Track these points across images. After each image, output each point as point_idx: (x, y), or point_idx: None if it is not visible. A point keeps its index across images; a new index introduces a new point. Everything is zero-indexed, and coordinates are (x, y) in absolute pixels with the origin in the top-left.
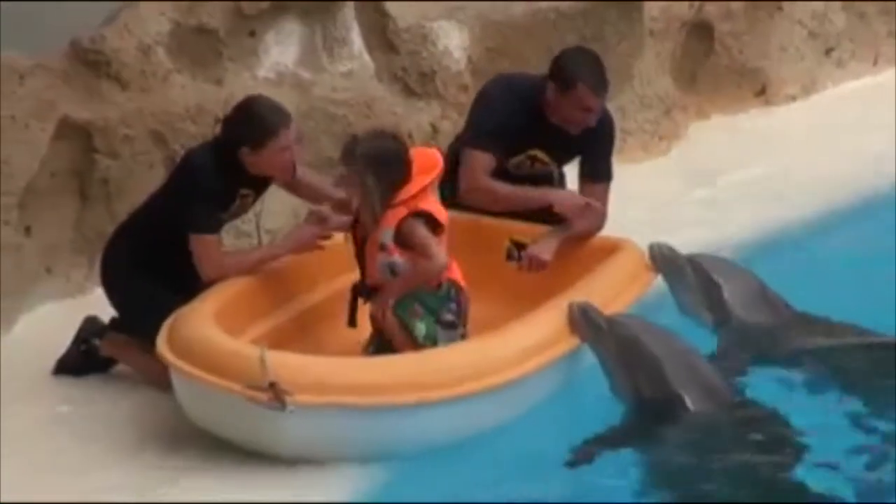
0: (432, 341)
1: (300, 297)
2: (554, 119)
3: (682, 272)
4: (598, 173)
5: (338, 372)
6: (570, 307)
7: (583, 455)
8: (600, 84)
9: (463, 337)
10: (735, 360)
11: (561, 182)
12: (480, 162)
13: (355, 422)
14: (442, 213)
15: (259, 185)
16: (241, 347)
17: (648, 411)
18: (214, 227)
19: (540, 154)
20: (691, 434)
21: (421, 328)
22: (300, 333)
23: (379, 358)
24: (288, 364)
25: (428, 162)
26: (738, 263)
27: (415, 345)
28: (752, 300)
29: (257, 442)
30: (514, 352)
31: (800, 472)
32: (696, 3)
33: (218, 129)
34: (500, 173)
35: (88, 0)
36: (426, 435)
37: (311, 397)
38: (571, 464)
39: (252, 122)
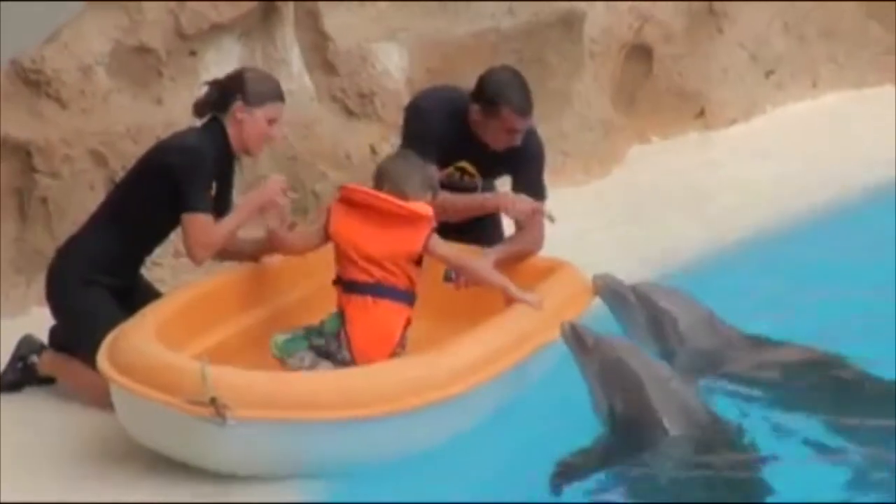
0: (281, 352)
1: (250, 310)
2: (479, 136)
3: (627, 302)
4: (531, 195)
5: (281, 386)
6: (562, 325)
7: (563, 475)
8: (524, 105)
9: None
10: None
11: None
12: None
13: (298, 437)
14: None
15: (230, 169)
16: (183, 362)
17: (625, 425)
18: (209, 207)
19: (468, 166)
20: (670, 453)
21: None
22: (250, 347)
23: (324, 372)
24: (229, 378)
25: None
26: (682, 291)
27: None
28: (700, 327)
29: (198, 458)
30: (460, 367)
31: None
32: (636, 25)
33: (204, 92)
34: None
35: (28, 19)
36: (371, 451)
37: (253, 412)
38: (555, 485)
39: (256, 82)
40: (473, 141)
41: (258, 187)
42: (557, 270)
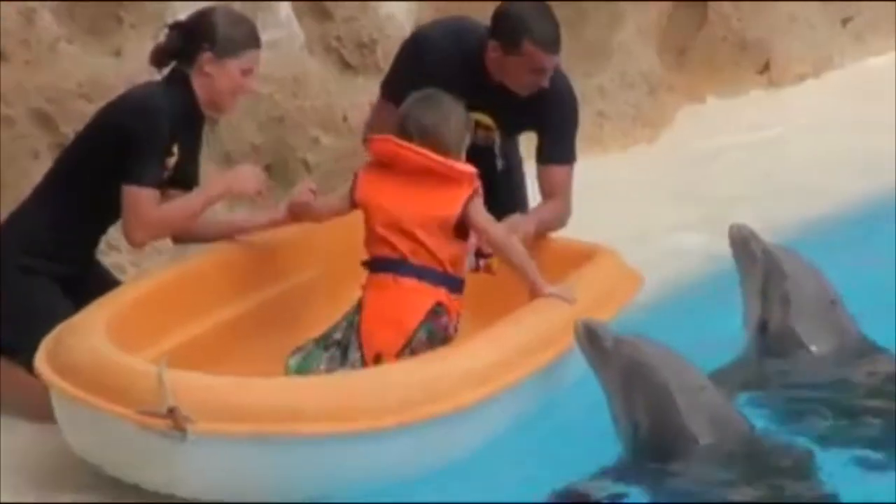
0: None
1: (225, 303)
2: (499, 79)
3: (753, 258)
4: (558, 155)
5: (252, 395)
6: (575, 323)
7: (569, 495)
8: (552, 38)
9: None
10: (755, 376)
11: (508, 169)
12: (389, 117)
13: (272, 455)
14: None
15: (197, 133)
16: (137, 365)
17: (650, 446)
18: (156, 180)
19: (484, 118)
20: (701, 469)
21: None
22: (223, 348)
23: (306, 378)
24: (191, 385)
25: None
26: (812, 264)
27: None
28: (818, 312)
29: (154, 480)
30: (469, 372)
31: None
32: None
33: (164, 38)
34: None
35: None
36: (358, 472)
37: (218, 425)
38: None
39: (227, 26)
40: (490, 86)
41: (227, 173)
42: (595, 257)
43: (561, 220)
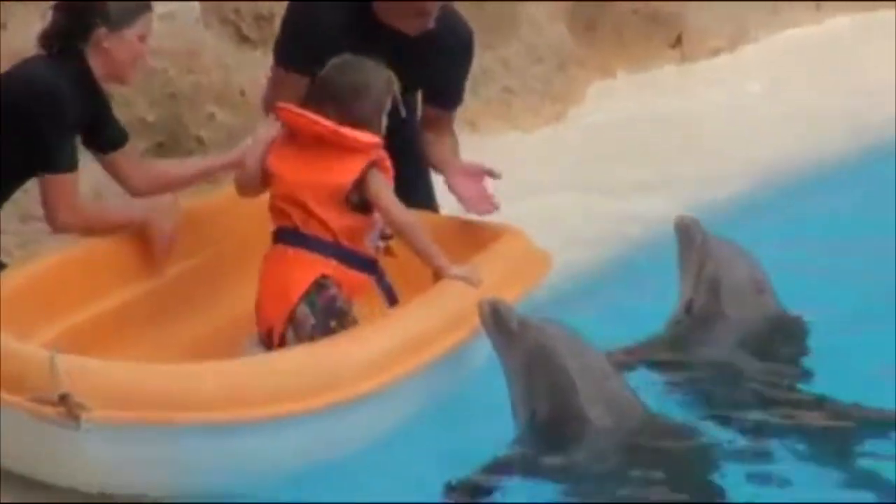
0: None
1: (123, 285)
2: (388, 22)
3: (692, 245)
4: (450, 100)
5: (150, 380)
6: (480, 303)
7: (463, 489)
8: None
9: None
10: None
11: (409, 120)
12: (287, 85)
13: (172, 444)
14: None
15: (101, 105)
16: (27, 350)
17: (548, 433)
18: (74, 163)
19: None
20: (596, 460)
21: None
22: (121, 333)
23: (207, 363)
24: (86, 370)
25: None
26: (745, 252)
27: None
28: (745, 298)
29: (49, 471)
30: (372, 358)
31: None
32: None
33: (51, 20)
34: None
35: None
36: (261, 461)
37: (114, 412)
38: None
39: None
40: (384, 35)
41: (149, 204)
42: (502, 237)
43: (455, 145)
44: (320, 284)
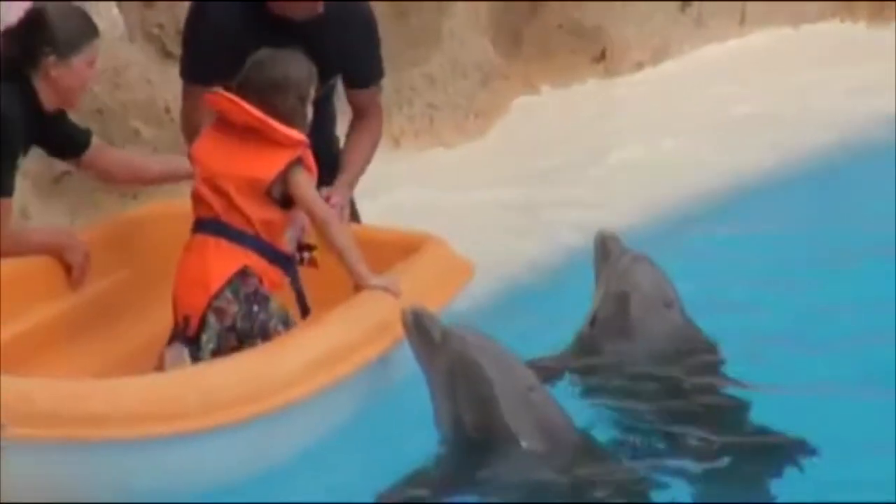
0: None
1: (51, 300)
2: (281, 12)
3: (607, 259)
4: (367, 77)
5: (69, 397)
6: (402, 311)
7: (392, 498)
8: None
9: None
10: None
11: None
12: (199, 100)
13: (91, 461)
14: None
15: (51, 134)
16: None
17: (471, 445)
18: (10, 189)
19: None
20: (520, 471)
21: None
22: (44, 350)
23: (120, 380)
24: (5, 388)
25: None
26: (653, 266)
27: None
28: (650, 312)
29: None
30: (291, 370)
31: None
32: None
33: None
34: None
35: None
36: (180, 476)
37: (34, 430)
38: None
39: (64, 23)
40: (283, 29)
41: (64, 235)
42: (424, 246)
43: (376, 143)
44: (244, 273)
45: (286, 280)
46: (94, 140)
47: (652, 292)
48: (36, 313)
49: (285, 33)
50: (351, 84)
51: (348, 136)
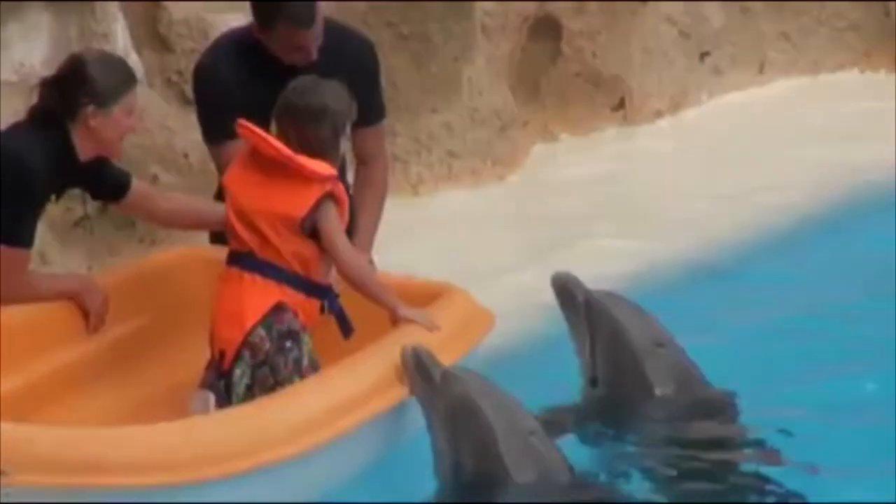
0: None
1: (67, 345)
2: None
3: (577, 310)
4: (370, 115)
5: (71, 445)
6: (403, 351)
7: None
8: (301, 15)
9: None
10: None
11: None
12: (228, 157)
13: None
14: None
15: (89, 179)
16: None
17: (471, 488)
18: (31, 240)
19: None
20: None
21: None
22: (63, 396)
23: (132, 428)
24: (7, 436)
25: None
26: (648, 314)
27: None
28: (645, 358)
29: None
30: (299, 420)
31: None
32: None
33: (36, 96)
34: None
35: None
36: None
37: (36, 477)
38: None
39: (103, 72)
40: (287, 71)
41: (85, 281)
42: (444, 295)
43: (384, 195)
44: (278, 308)
45: (325, 308)
46: (135, 182)
47: (640, 337)
48: (52, 359)
49: (289, 76)
50: (358, 122)
51: (356, 190)
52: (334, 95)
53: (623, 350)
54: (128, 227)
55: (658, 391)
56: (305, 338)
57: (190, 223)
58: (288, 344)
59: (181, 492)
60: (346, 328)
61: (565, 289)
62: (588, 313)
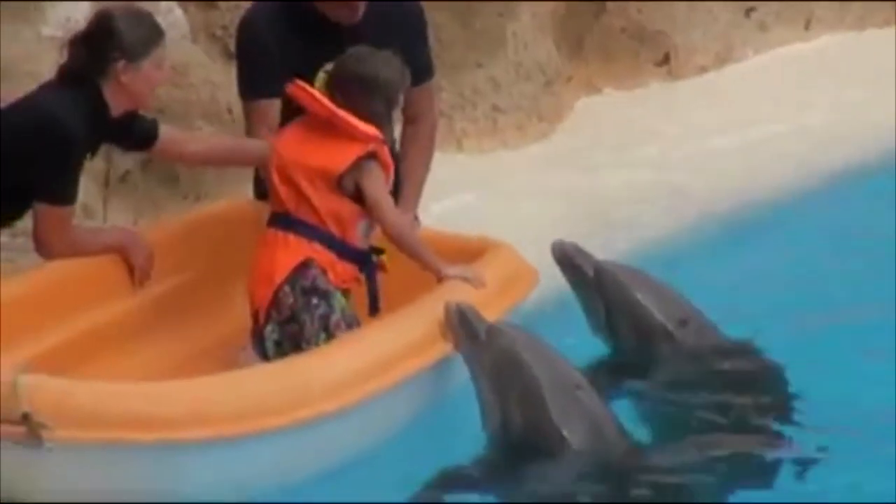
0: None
1: (107, 302)
2: (322, 12)
3: (586, 280)
4: (418, 74)
5: (113, 399)
6: (447, 307)
7: (426, 498)
8: None
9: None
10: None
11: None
12: (261, 115)
13: (135, 464)
14: None
15: (120, 133)
16: None
17: (519, 443)
18: (75, 197)
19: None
20: (567, 475)
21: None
22: (104, 352)
23: (163, 384)
24: (49, 391)
25: None
26: (656, 278)
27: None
28: (675, 327)
29: (12, 491)
30: (339, 375)
31: None
32: None
33: (66, 53)
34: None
35: None
36: (225, 480)
37: (77, 432)
38: None
39: (131, 28)
40: (334, 31)
41: (129, 235)
42: (488, 251)
43: (432, 152)
44: (304, 265)
45: (360, 276)
46: (163, 129)
47: (662, 320)
48: (98, 313)
49: (337, 34)
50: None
51: (402, 146)
52: (388, 66)
53: (645, 329)
54: (172, 182)
55: (677, 368)
56: (337, 295)
57: (222, 160)
58: (314, 300)
59: (218, 447)
60: (374, 306)
61: (571, 261)
62: (601, 287)
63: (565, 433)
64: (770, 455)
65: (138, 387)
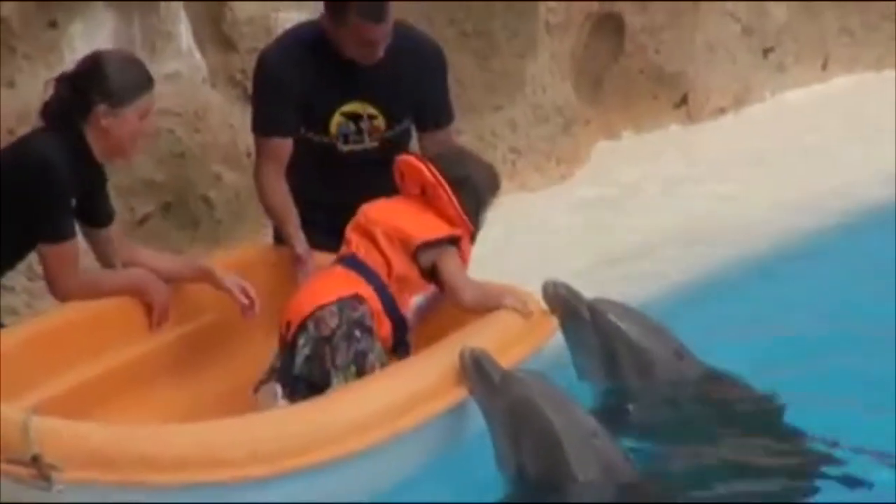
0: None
1: (122, 346)
2: (348, 55)
3: (580, 320)
4: (439, 118)
5: (122, 441)
6: (462, 354)
7: None
8: (375, 9)
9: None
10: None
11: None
12: (273, 152)
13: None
14: None
15: (96, 179)
16: (3, 412)
17: (536, 491)
18: (72, 232)
19: (361, 107)
20: None
21: None
22: (117, 396)
23: (172, 426)
24: (59, 432)
25: None
26: (646, 315)
27: None
28: (664, 362)
29: None
30: (354, 418)
31: None
32: None
33: (50, 91)
34: (324, 153)
35: None
36: None
37: (86, 473)
38: None
39: (119, 72)
40: (353, 71)
41: (147, 277)
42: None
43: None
44: (356, 297)
45: (390, 341)
46: (113, 226)
47: (662, 354)
48: (116, 354)
49: (356, 74)
50: (423, 127)
51: None
52: (480, 168)
53: (646, 365)
54: (192, 226)
55: (678, 399)
56: (376, 338)
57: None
58: (357, 333)
59: (233, 490)
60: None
61: (564, 302)
62: (597, 325)
63: (584, 479)
64: (792, 489)
65: (152, 429)
